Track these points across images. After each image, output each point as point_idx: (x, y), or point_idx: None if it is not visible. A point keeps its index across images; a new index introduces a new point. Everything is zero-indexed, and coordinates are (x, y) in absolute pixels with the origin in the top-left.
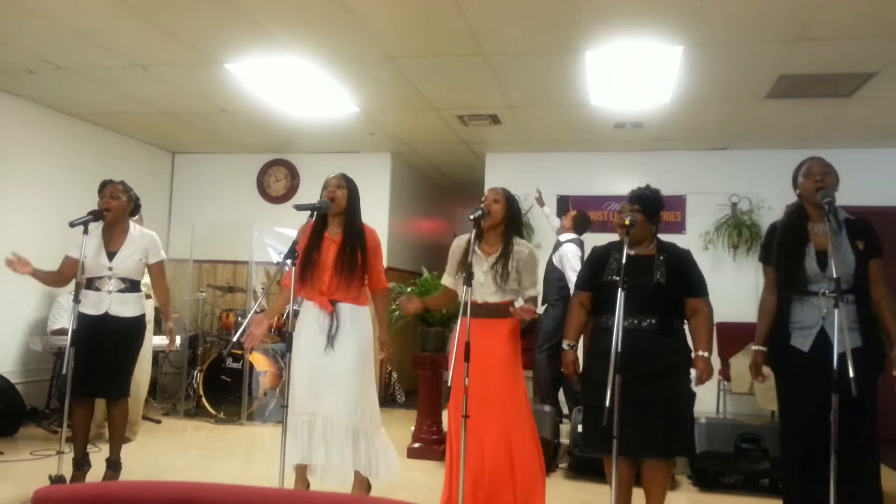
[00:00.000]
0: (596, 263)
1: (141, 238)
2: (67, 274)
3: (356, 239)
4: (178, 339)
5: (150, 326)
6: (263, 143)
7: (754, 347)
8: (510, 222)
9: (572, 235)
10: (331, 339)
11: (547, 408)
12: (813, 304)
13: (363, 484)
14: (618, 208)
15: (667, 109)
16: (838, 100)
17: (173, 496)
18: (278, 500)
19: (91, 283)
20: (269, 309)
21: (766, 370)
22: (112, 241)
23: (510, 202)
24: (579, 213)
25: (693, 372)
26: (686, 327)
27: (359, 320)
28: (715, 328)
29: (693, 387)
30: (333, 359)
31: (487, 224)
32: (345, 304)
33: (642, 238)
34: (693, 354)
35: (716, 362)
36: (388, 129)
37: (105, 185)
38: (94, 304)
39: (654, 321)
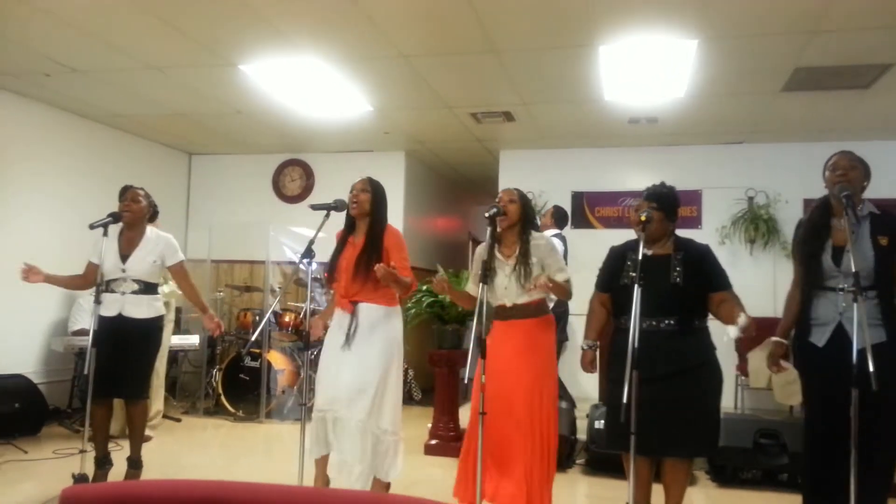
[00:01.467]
0: (613, 264)
1: (156, 241)
2: (90, 278)
3: (375, 242)
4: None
5: (168, 326)
6: (278, 144)
7: (773, 339)
8: (526, 222)
9: (555, 231)
10: (349, 338)
11: (564, 404)
12: (829, 300)
13: (381, 485)
14: (634, 205)
15: (682, 104)
16: (856, 91)
17: (199, 495)
18: (302, 498)
19: (108, 286)
20: (324, 310)
21: (785, 363)
22: (127, 245)
23: (525, 202)
24: (556, 208)
25: (740, 320)
26: (708, 325)
27: (381, 320)
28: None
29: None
30: (352, 358)
31: (504, 225)
32: (365, 305)
33: (660, 236)
34: (737, 318)
35: (733, 357)
36: (402, 127)
37: (126, 190)
38: (109, 306)
39: (672, 322)
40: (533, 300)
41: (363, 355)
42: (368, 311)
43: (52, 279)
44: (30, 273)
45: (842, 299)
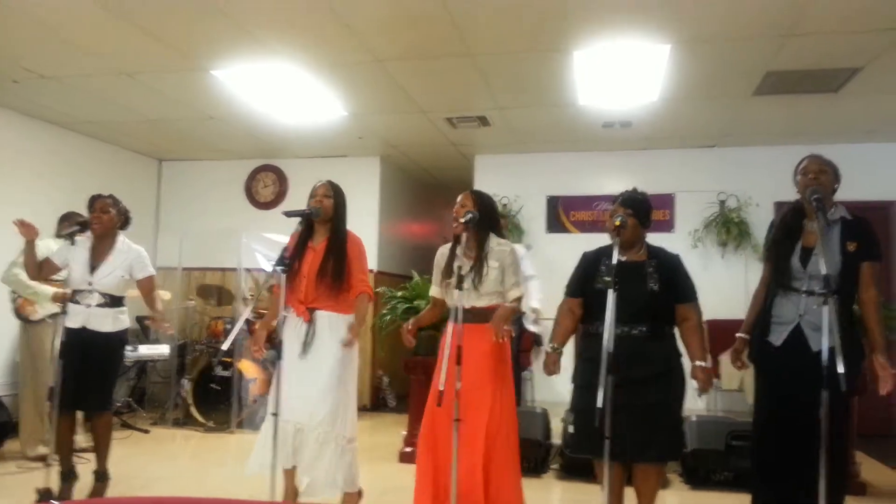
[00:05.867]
0: (586, 270)
1: (127, 254)
2: (44, 271)
3: (338, 248)
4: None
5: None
6: (251, 149)
7: (737, 335)
8: (481, 224)
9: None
10: (306, 346)
11: (539, 409)
12: (792, 301)
13: (354, 496)
14: (610, 210)
15: (655, 108)
16: (826, 95)
17: None
18: None
19: (73, 296)
20: (265, 318)
21: (746, 360)
22: (97, 256)
23: (481, 206)
24: None
25: (694, 383)
26: (676, 332)
27: (339, 328)
28: (706, 326)
29: (698, 398)
30: (308, 366)
31: (459, 229)
32: (323, 312)
33: (634, 242)
34: (691, 365)
35: (706, 360)
36: (376, 132)
37: (95, 200)
38: (73, 318)
39: (644, 328)
40: (491, 304)
41: (321, 363)
42: (326, 319)
43: (33, 250)
44: (27, 228)
45: (803, 301)
